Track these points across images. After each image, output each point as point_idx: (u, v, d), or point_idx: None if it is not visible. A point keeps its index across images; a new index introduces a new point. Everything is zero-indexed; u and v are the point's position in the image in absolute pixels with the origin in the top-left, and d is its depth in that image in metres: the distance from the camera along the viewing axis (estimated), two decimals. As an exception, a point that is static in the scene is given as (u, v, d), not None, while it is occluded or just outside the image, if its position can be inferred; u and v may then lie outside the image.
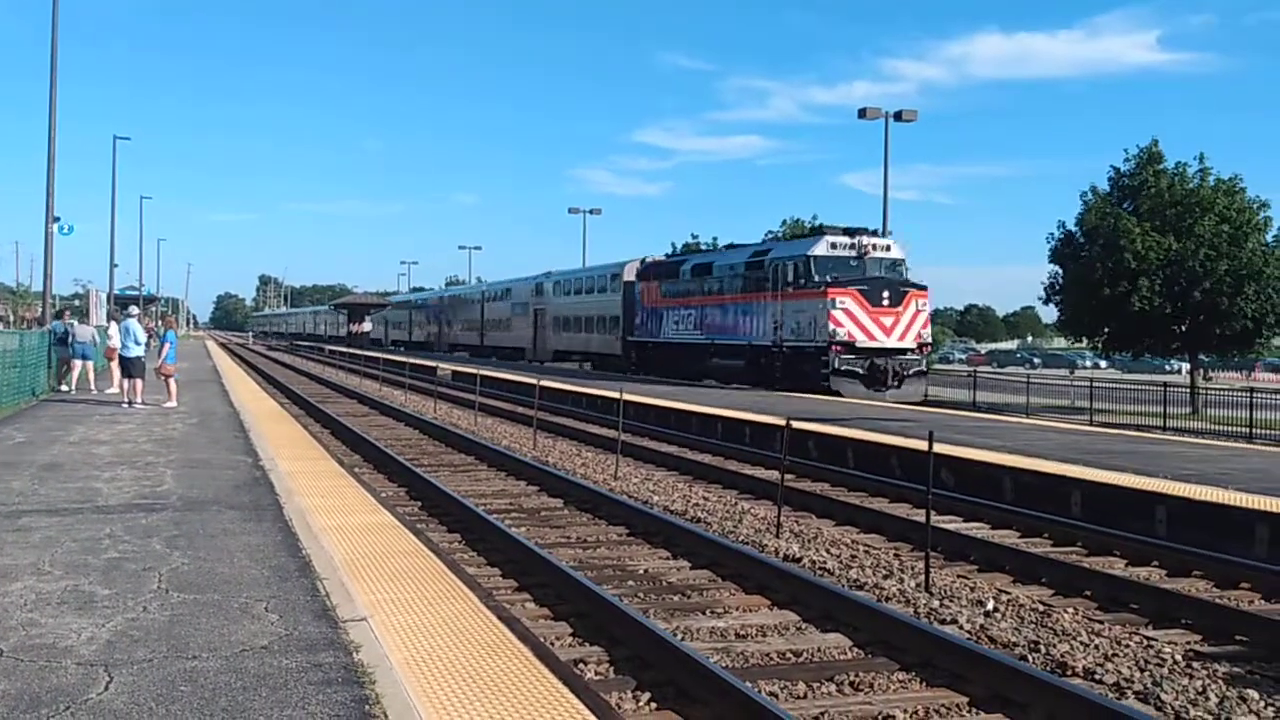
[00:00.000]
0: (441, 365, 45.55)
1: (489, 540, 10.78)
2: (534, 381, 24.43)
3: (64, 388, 26.24)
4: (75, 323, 27.77)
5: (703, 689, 6.23)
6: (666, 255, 47.45)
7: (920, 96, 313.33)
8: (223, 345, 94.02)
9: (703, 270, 38.05)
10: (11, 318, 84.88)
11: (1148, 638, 7.87)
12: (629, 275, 44.65)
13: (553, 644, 7.16)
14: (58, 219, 31.64)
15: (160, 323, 44.75)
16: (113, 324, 26.67)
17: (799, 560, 10.22)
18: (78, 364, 26.48)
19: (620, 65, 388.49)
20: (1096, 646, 7.53)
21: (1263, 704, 6.42)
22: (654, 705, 6.26)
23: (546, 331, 54.40)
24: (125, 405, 21.79)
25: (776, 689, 6.52)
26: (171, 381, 22.76)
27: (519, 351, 58.49)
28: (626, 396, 20.41)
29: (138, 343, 22.59)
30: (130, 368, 22.53)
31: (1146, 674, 6.93)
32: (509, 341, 61.20)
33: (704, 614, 8.36)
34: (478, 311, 68.80)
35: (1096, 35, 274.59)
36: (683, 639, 7.40)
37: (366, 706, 4.80)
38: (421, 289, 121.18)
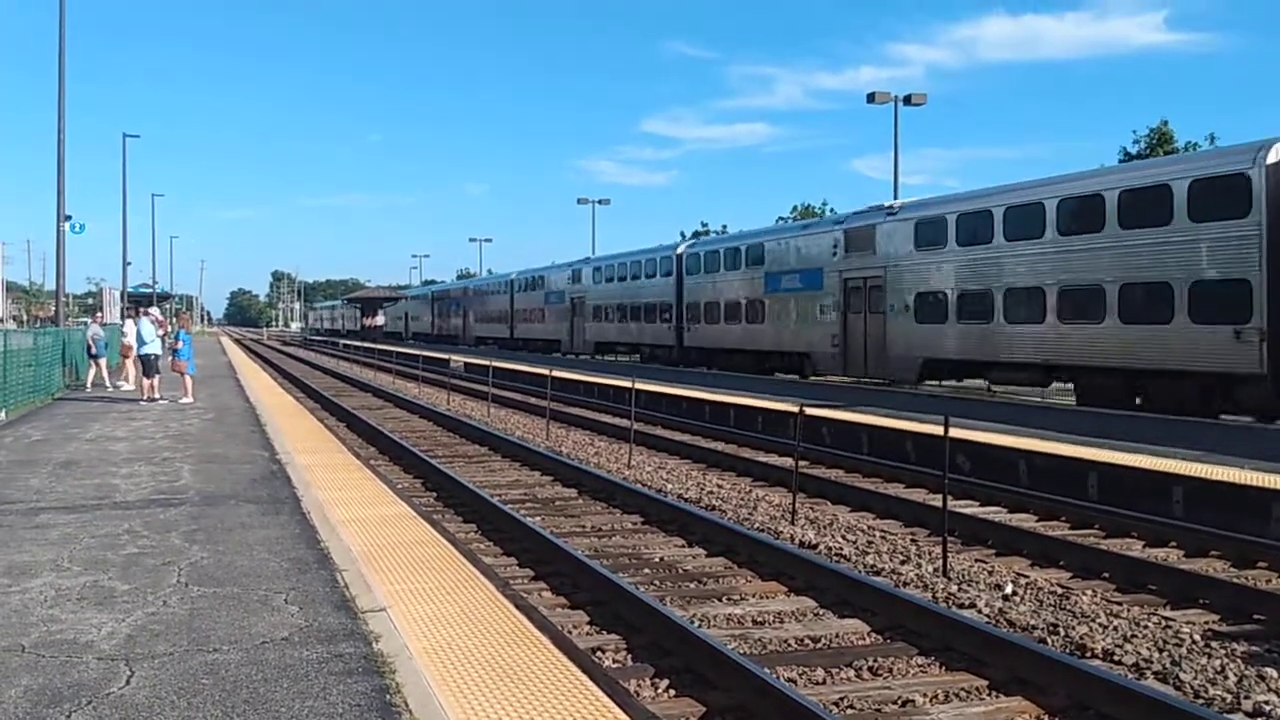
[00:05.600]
0: (454, 357, 45.59)
1: (505, 530, 10.81)
2: (545, 372, 24.43)
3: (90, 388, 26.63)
4: (89, 321, 28.01)
5: (721, 675, 6.24)
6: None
7: (927, 80, 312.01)
8: (237, 341, 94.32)
9: None
10: (25, 317, 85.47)
11: (1166, 618, 7.85)
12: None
13: (570, 632, 7.18)
14: (69, 218, 31.75)
15: (175, 320, 44.93)
16: (128, 322, 26.95)
17: (815, 546, 10.22)
18: (91, 362, 26.85)
19: (623, 55, 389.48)
20: (1115, 628, 7.51)
21: (1283, 683, 6.39)
22: (672, 692, 6.27)
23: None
24: (142, 402, 21.92)
25: (795, 675, 6.52)
26: (187, 377, 22.91)
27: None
28: (639, 386, 20.41)
29: (144, 341, 22.83)
30: (146, 365, 22.75)
31: (1165, 654, 6.91)
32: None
33: (720, 601, 8.36)
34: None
35: (1104, 17, 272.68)
36: (700, 626, 7.41)
37: (387, 696, 4.83)
38: (434, 281, 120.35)
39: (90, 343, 27.07)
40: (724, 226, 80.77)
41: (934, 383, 27.34)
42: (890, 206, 28.08)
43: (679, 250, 40.73)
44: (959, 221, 24.79)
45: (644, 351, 43.92)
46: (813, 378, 30.93)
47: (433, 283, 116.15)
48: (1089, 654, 6.97)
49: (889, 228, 27.36)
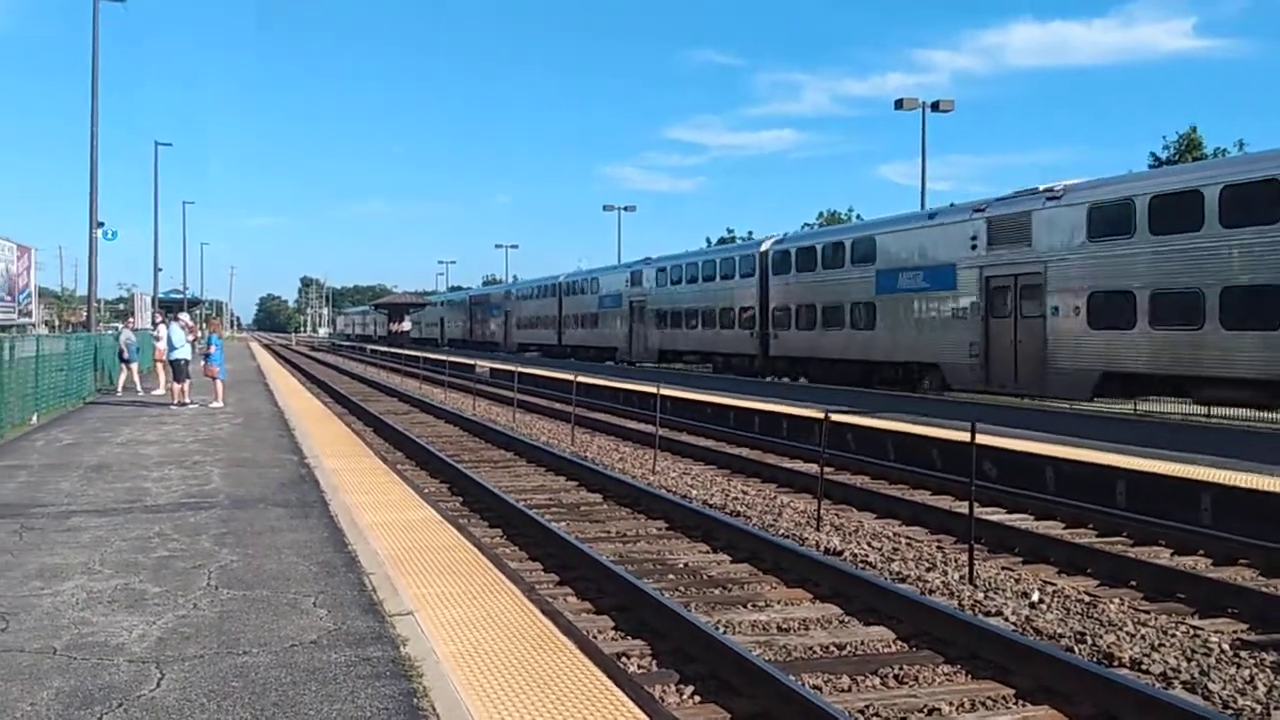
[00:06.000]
0: (480, 363, 45.76)
1: (530, 535, 10.84)
2: (571, 378, 24.49)
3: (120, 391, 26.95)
4: (120, 326, 28.32)
5: (746, 682, 6.24)
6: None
7: (954, 86, 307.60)
8: (266, 346, 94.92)
9: None
10: (57, 322, 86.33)
11: (1194, 627, 7.80)
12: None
13: (596, 637, 7.20)
14: (101, 224, 32.11)
15: (205, 325, 45.36)
16: (161, 326, 27.30)
17: (840, 553, 10.20)
18: (123, 366, 27.19)
19: (650, 63, 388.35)
20: (1143, 637, 7.46)
21: (1313, 693, 6.34)
22: (697, 698, 6.28)
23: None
24: (172, 406, 22.13)
25: (820, 682, 6.52)
26: (218, 382, 23.14)
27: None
28: (664, 391, 20.43)
29: (174, 346, 23.08)
30: (177, 369, 22.99)
31: (1194, 664, 6.87)
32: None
33: (745, 607, 8.36)
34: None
35: (1131, 23, 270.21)
36: (725, 632, 7.42)
37: (415, 700, 4.86)
38: (460, 287, 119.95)
39: (123, 347, 27.41)
40: (750, 233, 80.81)
41: (1114, 401, 23.17)
42: (1050, 189, 23.40)
43: (764, 247, 36.10)
44: (1152, 205, 20.35)
45: (718, 361, 39.61)
46: (923, 392, 26.97)
47: (459, 288, 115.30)
48: (1116, 663, 6.93)
49: (1050, 214, 22.83)
